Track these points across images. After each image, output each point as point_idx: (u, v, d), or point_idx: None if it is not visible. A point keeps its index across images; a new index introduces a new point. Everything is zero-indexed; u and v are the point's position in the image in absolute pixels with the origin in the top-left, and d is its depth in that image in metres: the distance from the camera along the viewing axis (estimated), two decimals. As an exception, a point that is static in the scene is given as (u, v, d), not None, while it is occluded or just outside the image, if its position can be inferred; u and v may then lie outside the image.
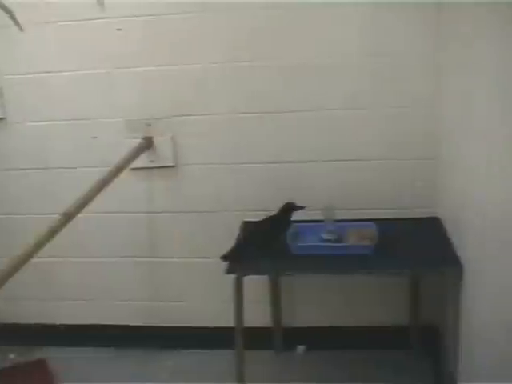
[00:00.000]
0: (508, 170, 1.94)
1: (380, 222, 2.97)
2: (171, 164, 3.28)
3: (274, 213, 2.92)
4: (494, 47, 2.05)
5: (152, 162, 3.28)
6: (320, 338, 3.45)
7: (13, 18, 2.02)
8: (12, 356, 3.52)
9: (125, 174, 3.03)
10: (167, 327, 3.56)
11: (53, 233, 2.36)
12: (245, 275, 2.80)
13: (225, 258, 2.77)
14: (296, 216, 2.96)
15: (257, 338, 3.18)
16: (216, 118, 3.20)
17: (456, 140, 2.73)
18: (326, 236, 2.90)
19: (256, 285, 3.27)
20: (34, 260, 2.30)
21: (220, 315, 3.36)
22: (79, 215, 2.58)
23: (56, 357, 3.36)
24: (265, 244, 2.85)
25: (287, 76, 3.09)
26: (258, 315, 3.37)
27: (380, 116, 3.10)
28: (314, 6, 2.97)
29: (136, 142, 3.20)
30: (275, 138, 3.19)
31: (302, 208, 2.87)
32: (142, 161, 3.22)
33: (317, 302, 3.46)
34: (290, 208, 2.89)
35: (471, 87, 2.39)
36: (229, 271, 2.75)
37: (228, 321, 2.91)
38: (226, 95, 3.16)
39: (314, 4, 2.97)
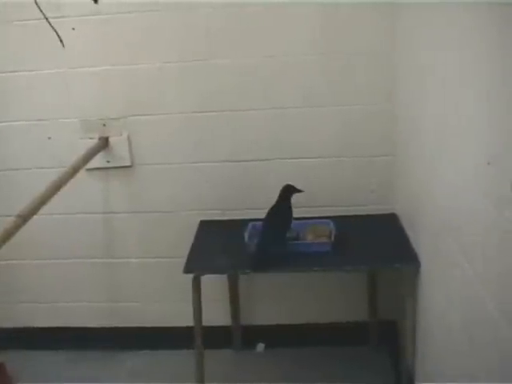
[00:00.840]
0: (463, 169, 1.96)
1: (337, 219, 2.99)
2: (127, 164, 3.27)
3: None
4: (448, 47, 2.08)
5: (108, 162, 3.27)
6: (279, 336, 3.47)
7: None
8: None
9: (81, 175, 3.01)
10: (125, 328, 3.55)
11: (8, 235, 2.33)
12: (203, 274, 2.82)
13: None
14: (252, 215, 3.04)
15: (216, 337, 3.22)
16: (172, 117, 3.19)
17: (410, 138, 2.76)
18: (283, 234, 2.93)
19: (214, 283, 3.28)
20: (-10, 263, 2.29)
21: (179, 315, 3.35)
22: (35, 216, 2.54)
23: (14, 360, 3.24)
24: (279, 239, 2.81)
25: (244, 75, 3.11)
26: (216, 314, 3.39)
27: (336, 114, 3.12)
28: (271, 6, 2.98)
29: (92, 142, 3.19)
30: (232, 137, 3.20)
31: (300, 191, 2.87)
32: (98, 161, 3.21)
33: (275, 300, 3.47)
34: (289, 192, 2.86)
35: (425, 85, 2.42)
36: (187, 271, 2.76)
37: (187, 320, 2.94)
38: (183, 94, 3.16)
39: (271, 3, 2.98)
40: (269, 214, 2.86)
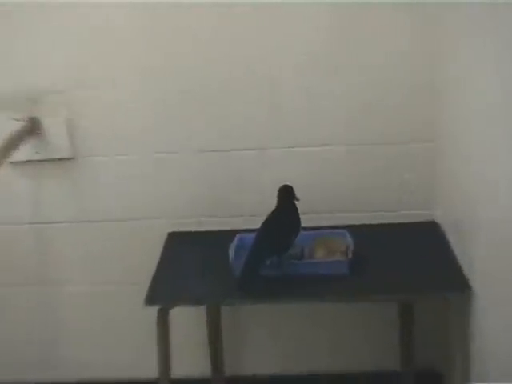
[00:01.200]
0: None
1: (356, 230, 2.85)
2: (67, 156, 3.09)
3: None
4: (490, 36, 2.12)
5: (39, 153, 3.10)
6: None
7: None
8: None
9: (2, 171, 2.86)
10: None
11: None
12: (172, 307, 2.67)
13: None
14: (239, 224, 2.99)
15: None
16: (131, 93, 3.02)
17: (461, 128, 2.66)
18: (282, 250, 2.67)
19: (188, 319, 3.20)
20: None
21: (139, 363, 3.26)
22: None
23: None
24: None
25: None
26: (191, 361, 3.31)
27: (351, 87, 3.01)
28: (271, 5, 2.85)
29: (16, 124, 3.00)
30: (212, 119, 3.06)
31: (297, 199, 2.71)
32: (24, 152, 3.04)
33: (271, 341, 3.37)
34: (291, 193, 2.72)
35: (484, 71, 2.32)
36: (149, 301, 2.60)
37: (151, 370, 2.77)
38: (148, 62, 2.99)
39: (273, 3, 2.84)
40: (267, 220, 2.72)
